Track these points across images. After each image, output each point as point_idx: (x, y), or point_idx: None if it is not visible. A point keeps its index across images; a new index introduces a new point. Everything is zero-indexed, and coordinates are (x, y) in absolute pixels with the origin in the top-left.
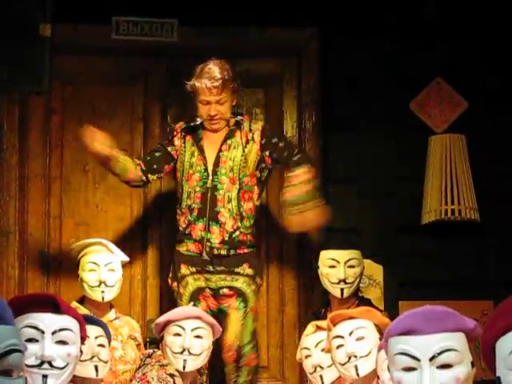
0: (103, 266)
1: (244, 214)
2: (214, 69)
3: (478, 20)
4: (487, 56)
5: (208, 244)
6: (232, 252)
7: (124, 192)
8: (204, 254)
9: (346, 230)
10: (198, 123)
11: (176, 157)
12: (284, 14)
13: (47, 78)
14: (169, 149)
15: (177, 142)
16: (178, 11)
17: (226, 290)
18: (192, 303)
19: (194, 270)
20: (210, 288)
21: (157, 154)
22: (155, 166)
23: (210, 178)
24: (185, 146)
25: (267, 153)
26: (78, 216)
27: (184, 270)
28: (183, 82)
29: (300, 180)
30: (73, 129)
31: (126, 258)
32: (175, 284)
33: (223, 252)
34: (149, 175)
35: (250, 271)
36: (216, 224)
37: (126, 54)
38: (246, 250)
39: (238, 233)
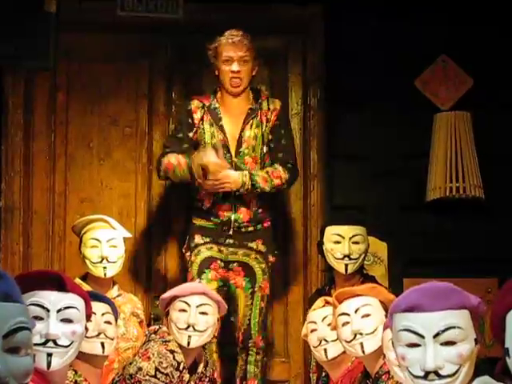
0: (105, 242)
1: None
2: (236, 32)
3: None
4: (493, 33)
5: (236, 224)
6: (259, 227)
7: (129, 169)
8: (231, 232)
9: (350, 207)
10: (213, 102)
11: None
12: None
13: (52, 54)
14: (190, 135)
15: (196, 121)
16: None
17: (235, 265)
18: (201, 273)
19: (207, 239)
20: (221, 260)
21: (185, 146)
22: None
23: (234, 158)
24: (203, 128)
25: (270, 136)
26: (82, 193)
27: (198, 239)
28: (188, 58)
29: (273, 175)
30: (78, 106)
31: (128, 234)
32: (188, 253)
33: (251, 229)
34: None
35: (262, 247)
36: (242, 204)
37: (131, 30)
38: (269, 223)
39: (260, 210)
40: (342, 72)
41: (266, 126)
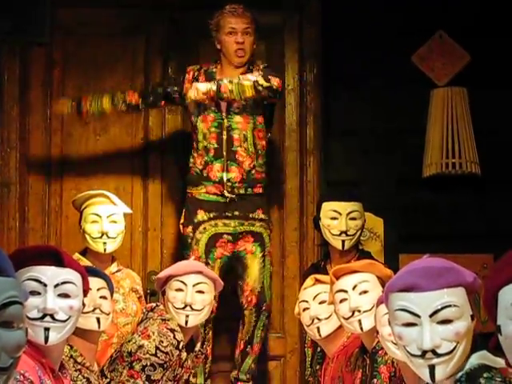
0: (105, 218)
1: (259, 151)
2: (238, 5)
3: None
4: (490, 8)
5: (229, 184)
6: (249, 191)
7: (125, 144)
8: (226, 193)
9: (346, 182)
10: (212, 67)
11: (180, 98)
12: None
13: (48, 28)
14: (175, 88)
15: (186, 80)
16: None
17: (244, 235)
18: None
19: (211, 215)
20: (227, 233)
21: (159, 90)
22: (152, 99)
23: (225, 118)
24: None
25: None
26: (79, 168)
27: (201, 215)
28: (185, 33)
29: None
30: (74, 80)
31: (129, 210)
32: (189, 229)
33: (242, 191)
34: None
35: (264, 216)
36: (234, 163)
37: (128, 5)
38: (260, 190)
39: (253, 171)
40: (339, 48)
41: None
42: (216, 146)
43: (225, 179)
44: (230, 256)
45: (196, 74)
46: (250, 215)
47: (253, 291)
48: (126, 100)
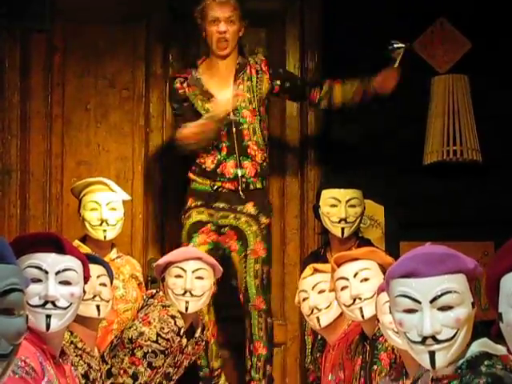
0: (105, 205)
1: (267, 143)
2: None
3: None
4: None
5: (243, 180)
6: (264, 183)
7: (126, 131)
8: (240, 190)
9: (347, 169)
10: (195, 74)
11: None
12: None
13: (48, 15)
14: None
15: (183, 96)
16: None
17: (227, 229)
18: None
19: (199, 203)
20: (210, 222)
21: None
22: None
23: (232, 113)
24: (190, 99)
25: (278, 82)
26: (79, 155)
27: (190, 202)
28: (186, 20)
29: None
30: (74, 67)
31: (128, 197)
32: (182, 216)
33: (259, 185)
34: None
35: (252, 210)
36: (247, 158)
37: None
38: (260, 185)
39: (265, 163)
40: (340, 35)
41: (257, 77)
42: (228, 143)
43: (239, 175)
44: (217, 245)
45: (185, 85)
46: (237, 208)
47: (240, 289)
48: None
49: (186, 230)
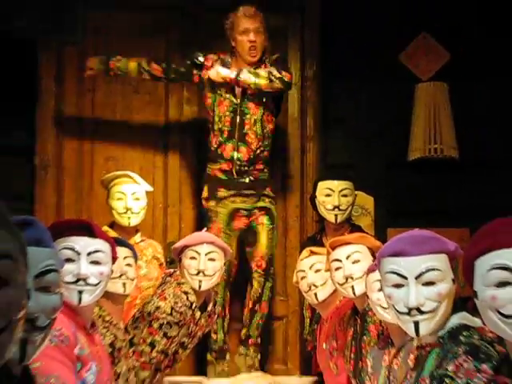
0: (130, 195)
1: (266, 134)
2: (250, 6)
3: None
4: (467, 13)
5: (238, 162)
6: (251, 167)
7: (148, 131)
8: (234, 171)
9: (341, 165)
10: (228, 58)
11: (198, 80)
12: None
13: (80, 30)
14: (195, 71)
15: (204, 64)
16: None
17: (257, 210)
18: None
19: (232, 192)
20: (243, 209)
21: (182, 70)
22: (173, 76)
23: (239, 103)
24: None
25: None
26: (107, 152)
27: (223, 192)
28: (200, 33)
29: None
30: (103, 76)
31: (150, 188)
32: (212, 203)
33: (249, 167)
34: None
35: (271, 193)
36: (244, 144)
37: (150, 9)
38: (261, 166)
39: (259, 151)
40: (336, 47)
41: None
42: (230, 128)
43: (235, 158)
44: (245, 229)
45: (214, 60)
46: (263, 192)
47: (264, 257)
48: (151, 71)
49: (223, 217)
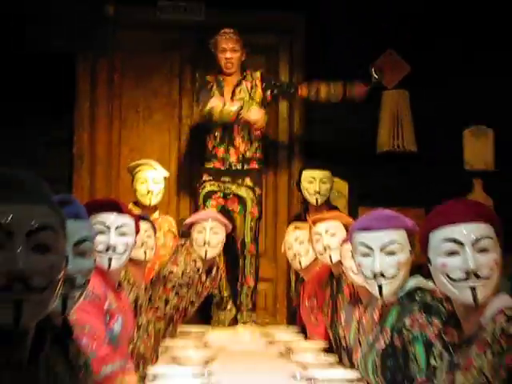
0: (151, 180)
1: (253, 138)
2: (228, 29)
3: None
4: (424, 34)
5: (228, 162)
6: (246, 166)
7: (164, 127)
8: (224, 169)
9: (321, 156)
10: (219, 77)
11: None
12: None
13: (109, 45)
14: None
15: (210, 87)
16: None
17: (231, 196)
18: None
19: (211, 178)
20: (220, 191)
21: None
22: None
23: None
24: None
25: (268, 92)
26: (131, 144)
27: (204, 177)
28: (208, 44)
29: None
30: (128, 81)
31: (167, 174)
32: (198, 187)
33: (239, 167)
34: None
35: (249, 183)
36: (233, 147)
37: (168, 29)
38: (255, 166)
39: (247, 153)
40: (319, 61)
41: (252, 89)
42: (222, 134)
43: (225, 159)
44: (224, 207)
45: (213, 82)
46: (239, 181)
47: (238, 238)
48: None
49: (201, 198)
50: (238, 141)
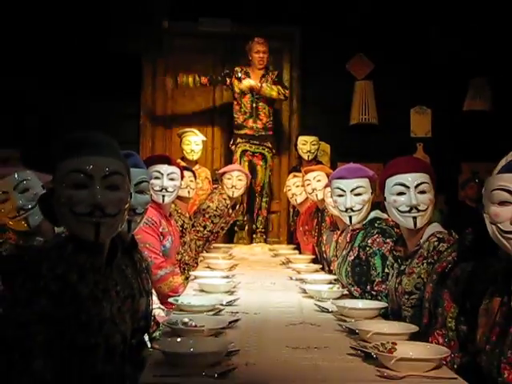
0: (193, 142)
1: (271, 112)
2: (261, 38)
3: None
4: (388, 39)
5: (256, 130)
6: (267, 133)
7: (203, 105)
8: (252, 135)
9: (313, 127)
10: (247, 69)
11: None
12: (282, 16)
13: (165, 49)
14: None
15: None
16: (229, 12)
17: (258, 154)
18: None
19: (243, 140)
20: (250, 151)
21: (220, 79)
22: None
23: (256, 96)
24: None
25: (279, 86)
26: (180, 120)
27: (238, 140)
28: (235, 52)
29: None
30: (177, 75)
31: (204, 138)
32: (234, 147)
33: (263, 133)
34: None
35: (269, 145)
36: (258, 119)
37: (204, 37)
38: (272, 132)
39: (267, 124)
40: (312, 60)
41: (271, 82)
42: (250, 110)
43: (254, 127)
44: (251, 162)
45: (240, 73)
46: (263, 143)
47: (259, 185)
48: (201, 81)
49: (238, 155)
50: (262, 115)
